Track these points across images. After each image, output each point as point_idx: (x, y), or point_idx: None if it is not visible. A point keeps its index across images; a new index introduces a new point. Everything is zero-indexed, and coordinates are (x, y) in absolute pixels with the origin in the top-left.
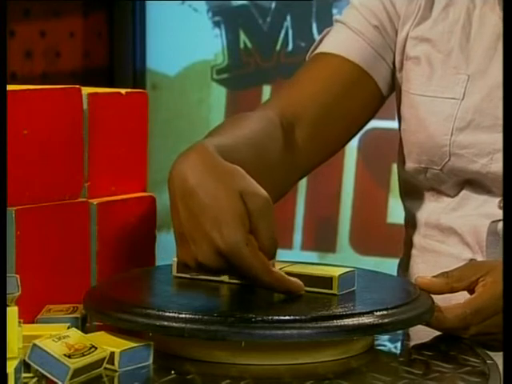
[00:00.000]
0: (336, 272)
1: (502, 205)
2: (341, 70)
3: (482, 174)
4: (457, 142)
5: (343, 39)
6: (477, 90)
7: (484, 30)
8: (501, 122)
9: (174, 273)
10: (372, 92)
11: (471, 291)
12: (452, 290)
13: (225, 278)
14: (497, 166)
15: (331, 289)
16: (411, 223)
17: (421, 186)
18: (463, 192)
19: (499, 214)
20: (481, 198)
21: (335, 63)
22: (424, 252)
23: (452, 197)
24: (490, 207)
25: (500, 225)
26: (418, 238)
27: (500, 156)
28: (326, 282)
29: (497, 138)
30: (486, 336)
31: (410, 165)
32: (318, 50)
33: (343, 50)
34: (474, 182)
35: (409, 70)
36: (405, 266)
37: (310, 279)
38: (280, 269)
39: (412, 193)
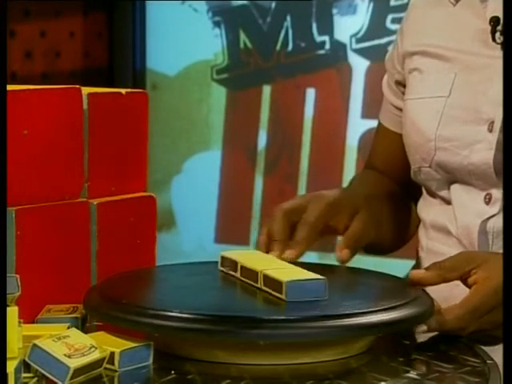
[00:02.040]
0: (292, 277)
1: (487, 200)
2: (393, 142)
3: (464, 166)
4: (441, 136)
5: (386, 112)
6: (461, 86)
7: (469, 31)
8: (482, 115)
9: (220, 267)
10: None
11: (464, 281)
12: (445, 281)
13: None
14: (476, 156)
15: (281, 293)
16: (421, 227)
17: (426, 190)
18: (454, 191)
19: (487, 210)
20: (469, 195)
21: (387, 136)
22: (430, 254)
23: (448, 198)
24: (478, 204)
25: (489, 223)
26: (425, 241)
27: (480, 146)
28: (277, 285)
29: (477, 130)
30: (480, 333)
31: (411, 169)
32: (379, 118)
33: (388, 123)
34: (459, 178)
35: (410, 81)
36: (416, 268)
37: (266, 279)
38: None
39: (421, 198)
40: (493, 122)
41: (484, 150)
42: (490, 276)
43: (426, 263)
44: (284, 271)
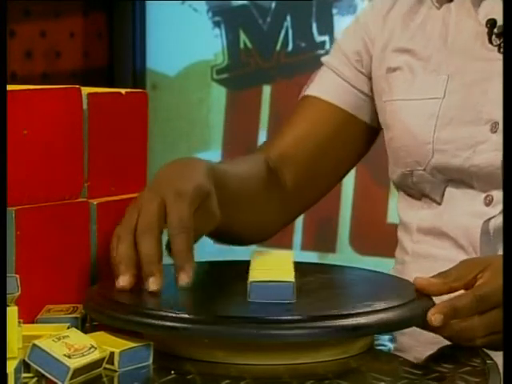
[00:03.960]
0: (260, 277)
1: (488, 201)
2: (327, 114)
3: (465, 169)
4: (439, 139)
5: (328, 84)
6: (457, 87)
7: (461, 34)
8: (482, 115)
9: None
10: (362, 131)
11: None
12: (450, 290)
13: None
14: (479, 158)
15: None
16: (403, 231)
17: (411, 194)
18: (449, 193)
19: (487, 211)
20: (466, 196)
21: (322, 108)
22: (418, 258)
23: (440, 201)
24: (477, 205)
25: (491, 223)
26: (410, 245)
27: (484, 148)
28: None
29: (479, 131)
30: (493, 335)
31: (398, 172)
32: (307, 93)
33: (329, 95)
34: (456, 180)
35: (391, 80)
36: (398, 273)
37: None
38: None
39: (403, 201)
40: (496, 123)
41: (488, 152)
42: (496, 275)
43: (413, 267)
44: (266, 272)
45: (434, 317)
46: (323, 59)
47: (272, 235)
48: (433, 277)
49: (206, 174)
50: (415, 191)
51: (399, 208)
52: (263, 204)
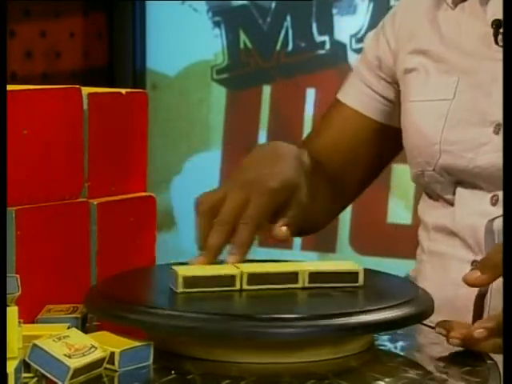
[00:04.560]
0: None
1: (494, 201)
2: (353, 121)
3: (469, 169)
4: (447, 139)
5: (354, 90)
6: (466, 89)
7: (471, 34)
8: (487, 117)
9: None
10: (390, 134)
11: None
12: (498, 276)
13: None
14: (482, 159)
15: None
16: (422, 230)
17: (429, 194)
18: (459, 193)
19: (493, 211)
20: (475, 197)
21: (347, 115)
22: (432, 256)
23: (452, 201)
24: (484, 205)
25: (495, 223)
26: (427, 244)
27: (486, 149)
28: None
29: (483, 133)
30: None
31: (412, 172)
32: (340, 96)
33: (354, 102)
34: (464, 181)
35: (407, 81)
36: (416, 270)
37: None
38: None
39: (423, 202)
40: (499, 124)
41: (491, 153)
42: None
43: (428, 266)
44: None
45: (479, 331)
46: (355, 63)
47: (321, 227)
48: (477, 268)
49: (296, 164)
50: (430, 191)
51: (419, 209)
52: (316, 195)
